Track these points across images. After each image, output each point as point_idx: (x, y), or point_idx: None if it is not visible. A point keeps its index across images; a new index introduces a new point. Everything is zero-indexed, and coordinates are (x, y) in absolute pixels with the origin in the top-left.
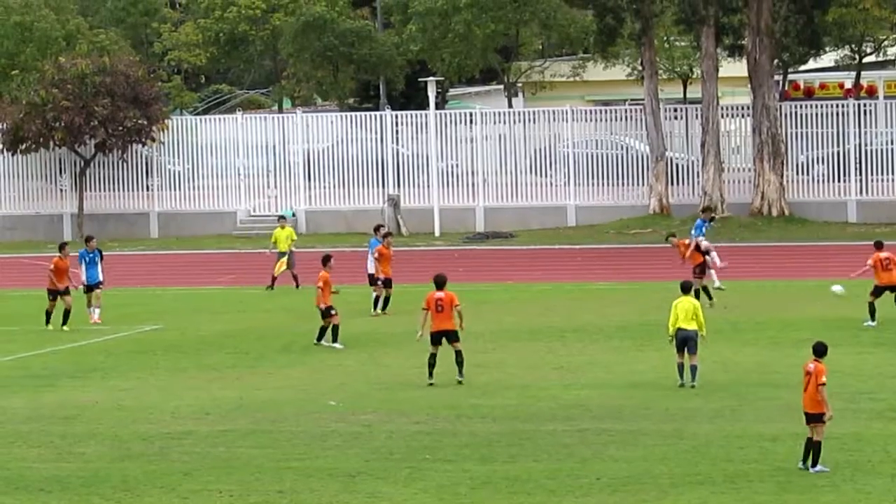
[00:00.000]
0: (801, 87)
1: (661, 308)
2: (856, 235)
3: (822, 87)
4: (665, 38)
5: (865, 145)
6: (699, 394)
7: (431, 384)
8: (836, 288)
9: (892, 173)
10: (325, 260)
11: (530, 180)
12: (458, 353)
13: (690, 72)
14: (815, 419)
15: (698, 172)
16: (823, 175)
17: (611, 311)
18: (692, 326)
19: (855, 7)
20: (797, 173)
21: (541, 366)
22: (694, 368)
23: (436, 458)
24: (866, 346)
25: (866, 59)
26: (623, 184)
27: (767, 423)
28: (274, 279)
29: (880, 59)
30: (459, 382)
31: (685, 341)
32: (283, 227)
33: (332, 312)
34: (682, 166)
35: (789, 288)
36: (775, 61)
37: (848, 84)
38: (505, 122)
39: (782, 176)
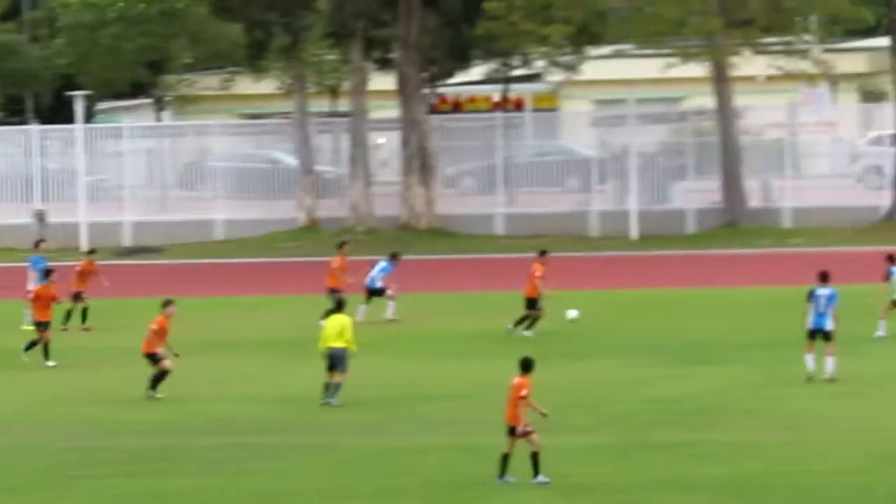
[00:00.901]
0: (450, 100)
1: (309, 322)
2: (503, 248)
3: (471, 100)
4: (314, 51)
5: (513, 158)
6: (348, 407)
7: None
8: (572, 313)
9: (539, 186)
10: (47, 273)
11: (179, 194)
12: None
13: (339, 85)
14: (514, 433)
15: (347, 186)
16: (471, 188)
17: (260, 325)
18: (340, 344)
19: (503, 21)
20: (445, 186)
21: (189, 380)
22: (337, 386)
23: (83, 474)
24: (516, 359)
25: (514, 73)
26: (272, 198)
27: (416, 435)
28: None
29: (528, 72)
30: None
31: (332, 359)
32: None
33: (42, 329)
34: (331, 180)
35: (438, 300)
36: (424, 74)
37: (496, 97)
38: (153, 137)
39: (431, 189)
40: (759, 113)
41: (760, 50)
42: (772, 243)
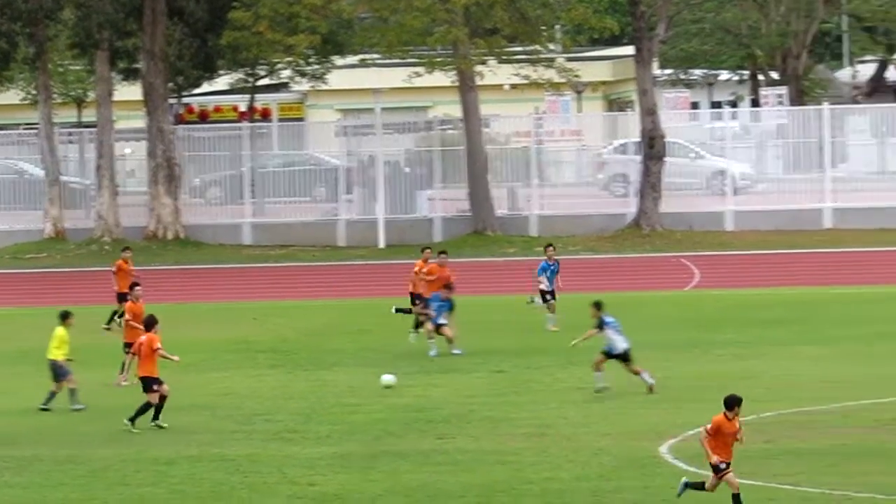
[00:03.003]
0: (196, 110)
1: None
2: (251, 258)
3: (217, 110)
4: (59, 62)
5: (260, 168)
6: (94, 418)
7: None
8: (387, 378)
9: (286, 196)
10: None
11: None
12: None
13: (85, 95)
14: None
15: (94, 196)
16: (219, 198)
17: (8, 336)
18: (52, 356)
19: (248, 31)
20: (192, 196)
21: None
22: (70, 392)
23: None
24: (262, 369)
25: (260, 83)
26: (18, 208)
27: (164, 446)
28: None
29: (274, 82)
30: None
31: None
32: None
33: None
34: (78, 190)
35: (184, 311)
36: (170, 85)
37: (242, 107)
38: None
39: (177, 199)
40: (505, 121)
41: (506, 59)
42: (518, 251)
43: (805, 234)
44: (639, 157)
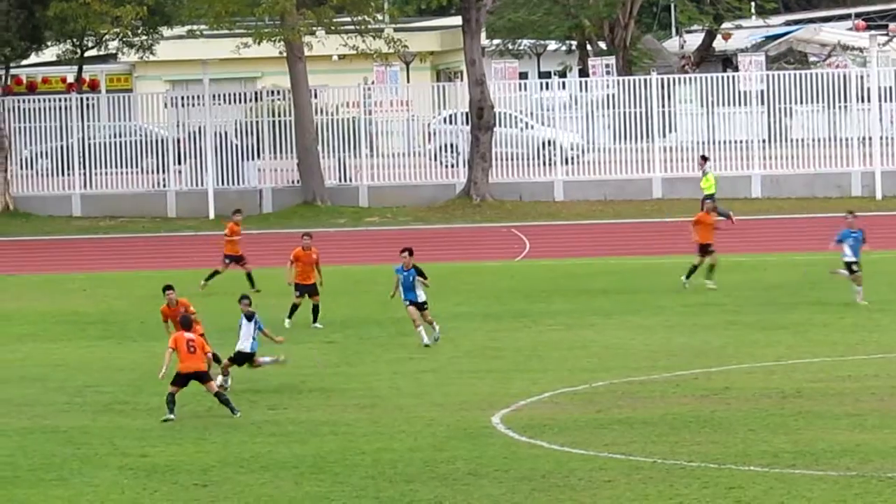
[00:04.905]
0: (24, 81)
1: None
2: (81, 229)
3: (45, 81)
4: None
5: (89, 139)
6: None
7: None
8: None
9: (115, 167)
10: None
11: None
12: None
13: None
14: None
15: None
16: (48, 169)
17: None
18: None
19: (76, 2)
20: (21, 168)
21: None
22: None
23: None
24: (93, 340)
25: (88, 54)
26: None
27: None
28: None
29: (102, 53)
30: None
31: None
32: None
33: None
34: None
35: (13, 282)
36: None
37: (70, 78)
38: None
39: (6, 171)
40: (334, 92)
41: (334, 30)
42: (348, 222)
43: (634, 204)
44: (468, 128)
